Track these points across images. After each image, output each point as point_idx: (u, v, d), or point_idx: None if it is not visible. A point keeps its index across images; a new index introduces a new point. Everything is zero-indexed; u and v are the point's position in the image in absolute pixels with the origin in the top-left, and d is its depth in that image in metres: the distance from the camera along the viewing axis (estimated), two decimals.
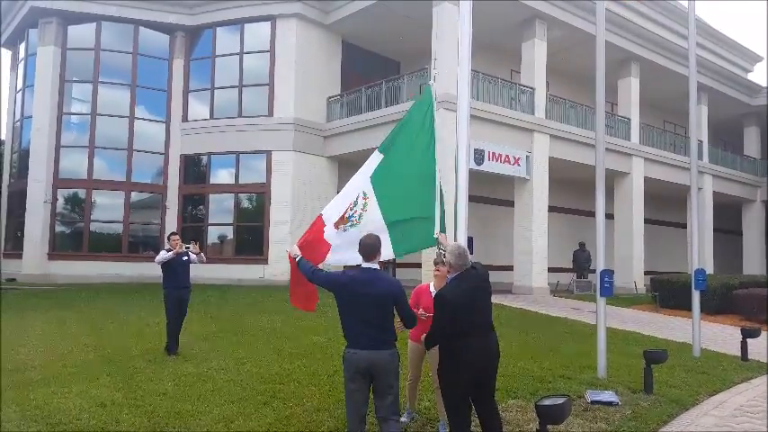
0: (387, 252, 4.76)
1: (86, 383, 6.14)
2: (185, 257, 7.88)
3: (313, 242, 4.74)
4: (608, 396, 5.96)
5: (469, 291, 4.03)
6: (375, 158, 5.02)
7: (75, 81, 19.37)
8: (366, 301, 3.81)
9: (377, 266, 3.94)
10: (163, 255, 7.74)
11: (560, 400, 3.97)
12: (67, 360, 7.30)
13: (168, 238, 8.09)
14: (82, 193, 18.81)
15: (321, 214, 4.92)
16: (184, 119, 19.45)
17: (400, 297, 3.94)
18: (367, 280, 3.86)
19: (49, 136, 18.50)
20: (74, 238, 18.92)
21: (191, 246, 8.00)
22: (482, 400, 4.15)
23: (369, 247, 3.93)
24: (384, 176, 4.91)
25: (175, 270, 7.78)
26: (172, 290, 7.76)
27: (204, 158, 19.33)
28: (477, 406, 4.16)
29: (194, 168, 19.62)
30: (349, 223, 4.80)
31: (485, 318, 4.12)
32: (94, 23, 18.91)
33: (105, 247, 18.81)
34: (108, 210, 19.03)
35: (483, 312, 4.11)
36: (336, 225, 4.80)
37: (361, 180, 4.95)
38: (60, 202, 18.79)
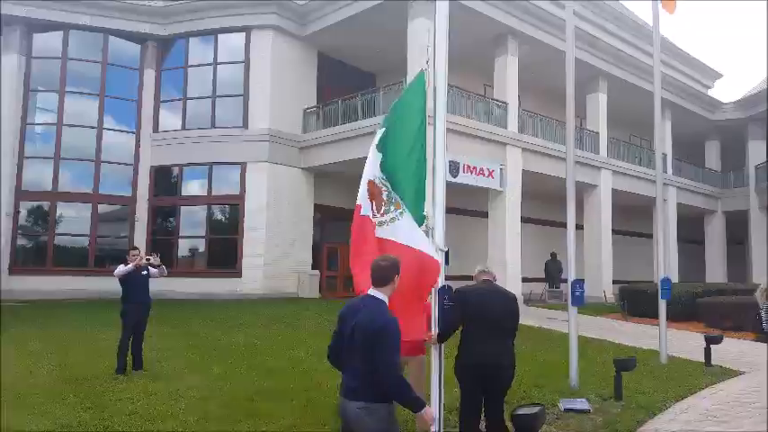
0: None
1: (51, 404, 5.94)
2: (145, 272, 7.77)
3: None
4: (580, 404, 6.06)
5: (484, 294, 4.29)
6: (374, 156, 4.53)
7: (41, 90, 18.93)
8: (348, 334, 3.16)
9: (383, 297, 3.22)
10: (122, 268, 7.62)
11: (535, 410, 4.05)
12: (31, 380, 7.06)
13: (128, 253, 7.93)
14: (46, 205, 18.32)
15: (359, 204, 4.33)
16: (155, 129, 19.16)
17: (376, 338, 3.02)
18: (357, 308, 3.23)
19: (11, 146, 17.98)
20: (37, 252, 18.36)
21: (152, 257, 7.85)
22: (488, 410, 4.26)
23: (380, 270, 3.24)
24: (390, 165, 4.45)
25: (134, 285, 7.65)
26: (130, 305, 7.65)
27: (176, 170, 19.05)
28: (485, 413, 4.28)
29: (165, 180, 19.31)
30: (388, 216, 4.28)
31: (494, 327, 4.25)
32: (61, 31, 18.54)
33: (71, 261, 18.29)
34: (74, 222, 18.54)
35: (492, 322, 4.25)
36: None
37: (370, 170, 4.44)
38: (23, 214, 18.22)
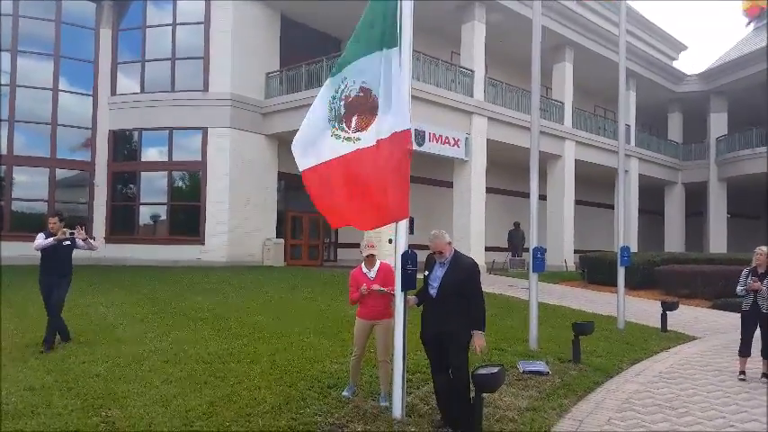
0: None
1: (12, 368, 5.86)
2: (68, 242, 7.04)
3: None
4: (539, 366, 6.26)
5: None
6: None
7: None
8: None
9: None
10: (41, 241, 6.88)
11: (494, 370, 4.15)
12: None
13: (47, 220, 7.26)
14: (1, 169, 17.60)
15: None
16: (113, 92, 18.50)
17: None
18: None
19: None
20: None
21: (75, 232, 7.11)
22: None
23: None
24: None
25: (53, 256, 6.96)
26: (44, 277, 7.01)
27: (135, 134, 18.50)
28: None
29: (124, 145, 18.76)
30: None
31: None
32: None
33: (28, 226, 17.61)
34: (30, 187, 17.94)
35: None
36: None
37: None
38: None
